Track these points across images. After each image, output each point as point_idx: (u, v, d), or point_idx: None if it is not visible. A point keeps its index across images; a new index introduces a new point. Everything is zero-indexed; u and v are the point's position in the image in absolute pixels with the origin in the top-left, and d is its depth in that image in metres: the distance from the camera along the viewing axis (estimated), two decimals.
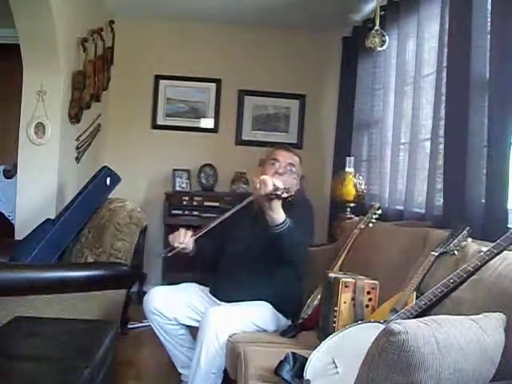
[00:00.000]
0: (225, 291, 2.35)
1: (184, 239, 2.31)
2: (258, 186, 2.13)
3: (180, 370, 2.47)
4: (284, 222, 2.13)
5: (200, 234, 2.32)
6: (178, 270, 2.33)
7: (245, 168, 4.52)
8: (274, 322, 2.31)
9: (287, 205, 2.18)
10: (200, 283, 2.53)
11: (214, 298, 2.40)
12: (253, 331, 2.22)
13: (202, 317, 2.19)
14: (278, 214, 2.12)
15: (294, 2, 4.01)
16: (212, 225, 2.28)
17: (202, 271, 2.65)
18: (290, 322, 2.40)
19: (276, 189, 2.08)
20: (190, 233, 2.34)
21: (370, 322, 1.77)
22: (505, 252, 1.65)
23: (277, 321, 2.33)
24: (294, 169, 2.46)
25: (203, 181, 4.63)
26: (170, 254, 2.31)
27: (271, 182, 2.11)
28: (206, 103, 4.79)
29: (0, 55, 4.36)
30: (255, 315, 2.25)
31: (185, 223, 4.24)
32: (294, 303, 2.43)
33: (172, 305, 2.36)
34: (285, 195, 2.08)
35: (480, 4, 2.31)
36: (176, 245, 2.30)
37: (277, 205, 2.11)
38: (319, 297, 2.34)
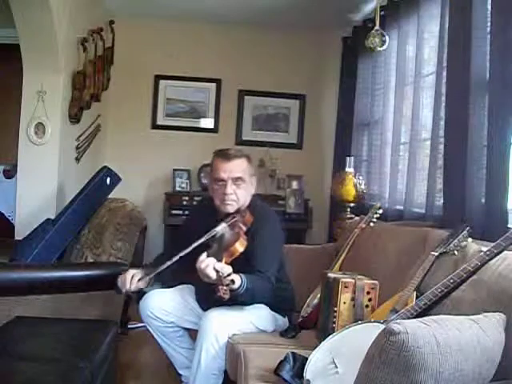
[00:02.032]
0: (209, 304, 2.18)
1: (131, 285, 2.09)
2: (200, 273, 1.86)
3: (180, 371, 2.47)
4: (240, 286, 1.90)
5: (152, 276, 2.08)
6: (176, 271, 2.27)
7: None
8: (272, 322, 2.30)
9: (250, 228, 2.07)
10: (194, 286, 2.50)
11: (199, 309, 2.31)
12: (252, 332, 2.22)
13: (200, 319, 2.17)
14: (233, 284, 1.86)
15: (293, 2, 4.01)
16: (161, 268, 2.06)
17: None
18: (287, 321, 2.39)
19: (220, 278, 1.80)
20: (138, 275, 2.11)
21: (369, 322, 1.77)
22: (505, 252, 1.65)
23: (275, 321, 2.32)
24: (243, 179, 2.22)
25: (203, 181, 4.62)
26: (125, 295, 2.19)
27: (213, 272, 1.82)
28: (206, 103, 4.79)
29: (0, 55, 4.36)
30: (254, 316, 2.24)
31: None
32: (288, 300, 2.40)
33: (169, 308, 2.33)
34: (231, 279, 1.81)
35: (480, 4, 2.31)
36: (123, 290, 2.12)
37: (229, 280, 1.85)
38: (319, 296, 2.34)
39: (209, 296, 2.21)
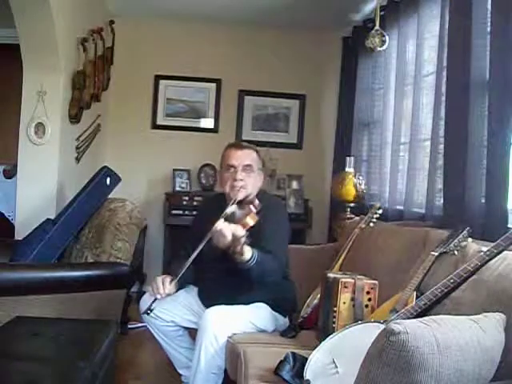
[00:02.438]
0: (213, 299, 2.22)
1: (165, 289, 2.14)
2: (216, 236, 1.98)
3: (180, 371, 2.47)
4: (251, 257, 2.00)
5: (180, 276, 2.15)
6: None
7: None
8: (272, 321, 2.31)
9: (258, 214, 2.08)
10: (196, 285, 2.50)
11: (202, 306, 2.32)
12: (252, 331, 2.22)
13: (200, 318, 2.17)
14: (245, 255, 1.99)
15: (294, 2, 4.01)
16: (188, 263, 2.12)
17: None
18: (288, 321, 2.39)
19: (236, 239, 1.93)
20: (168, 278, 2.17)
21: (369, 322, 1.77)
22: (505, 252, 1.65)
23: (275, 320, 2.32)
24: (252, 168, 2.31)
25: (203, 181, 4.63)
26: (154, 306, 2.16)
27: (229, 233, 1.95)
28: (206, 103, 4.79)
29: (0, 55, 4.35)
30: (253, 315, 2.24)
31: (185, 223, 4.26)
32: (289, 300, 2.41)
33: (169, 307, 2.33)
34: (245, 240, 1.92)
35: (480, 4, 2.32)
36: (158, 297, 2.14)
37: (242, 249, 1.97)
38: (319, 296, 2.34)
39: (212, 293, 2.28)
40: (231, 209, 2.14)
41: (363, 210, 3.37)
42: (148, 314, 2.19)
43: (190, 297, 2.41)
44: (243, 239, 1.95)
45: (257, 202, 2.11)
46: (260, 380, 1.75)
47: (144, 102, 4.73)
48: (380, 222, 2.73)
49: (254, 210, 2.06)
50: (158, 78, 4.73)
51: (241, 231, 1.96)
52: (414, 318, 1.63)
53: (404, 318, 1.65)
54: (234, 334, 2.12)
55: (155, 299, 2.16)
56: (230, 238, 1.95)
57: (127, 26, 4.58)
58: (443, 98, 2.63)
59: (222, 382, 2.17)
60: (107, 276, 2.63)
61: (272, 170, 4.61)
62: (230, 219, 2.06)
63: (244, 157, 2.31)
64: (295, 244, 3.13)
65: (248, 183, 2.28)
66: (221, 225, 1.98)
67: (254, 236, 2.07)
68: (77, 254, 3.00)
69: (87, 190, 3.14)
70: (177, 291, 2.27)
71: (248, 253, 2.00)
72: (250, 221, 2.01)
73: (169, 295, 2.19)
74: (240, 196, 2.24)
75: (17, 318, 2.23)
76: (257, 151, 2.40)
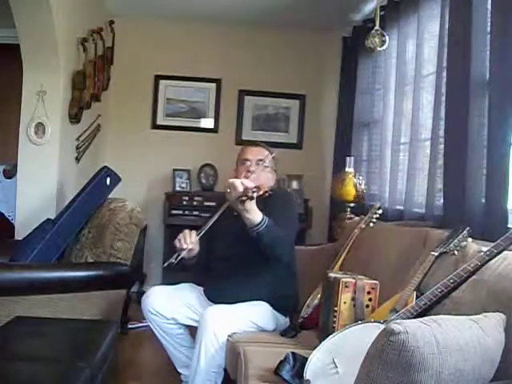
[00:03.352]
0: (218, 294, 2.30)
1: (191, 240, 2.22)
2: (228, 190, 2.10)
3: (180, 370, 2.48)
4: (262, 221, 2.08)
5: (205, 231, 2.24)
6: (177, 269, 2.28)
7: None
8: (272, 320, 2.31)
9: (267, 200, 2.15)
10: (198, 284, 2.52)
11: (208, 301, 2.36)
12: (252, 330, 2.22)
13: (201, 316, 2.19)
14: (255, 215, 2.07)
15: (294, 2, 4.01)
16: (211, 222, 2.23)
17: (196, 273, 2.58)
18: (288, 320, 2.40)
19: (246, 189, 2.02)
20: (194, 232, 2.26)
21: (370, 322, 1.77)
22: (505, 252, 1.65)
23: (275, 320, 2.33)
24: (265, 163, 2.42)
25: (203, 181, 4.63)
26: (179, 259, 2.19)
27: (239, 183, 2.07)
28: (205, 103, 4.79)
29: (0, 55, 4.35)
30: (254, 314, 2.25)
31: (185, 223, 4.26)
32: (291, 300, 2.42)
33: (170, 305, 2.35)
34: (256, 194, 2.02)
35: (480, 4, 2.32)
36: (185, 246, 2.19)
37: (251, 206, 2.05)
38: (319, 296, 2.34)
39: (218, 288, 2.33)
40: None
41: (363, 210, 3.37)
42: (169, 264, 2.20)
43: (192, 295, 2.43)
44: (254, 189, 2.02)
45: (266, 188, 2.17)
46: (260, 380, 1.75)
47: (144, 102, 4.73)
48: (380, 222, 2.73)
49: (265, 187, 2.15)
50: (157, 77, 4.73)
51: (251, 183, 2.08)
52: (414, 317, 1.63)
53: (404, 318, 1.65)
54: (234, 333, 2.13)
55: (181, 250, 2.20)
56: (240, 187, 2.05)
57: (127, 25, 4.58)
58: (443, 98, 2.63)
59: (222, 381, 2.17)
60: (107, 276, 2.63)
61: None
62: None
63: (258, 152, 2.47)
64: (295, 244, 3.13)
65: (261, 177, 2.35)
66: (233, 178, 2.15)
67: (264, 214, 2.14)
68: (77, 254, 2.99)
69: (87, 190, 3.14)
70: (196, 253, 2.31)
71: (259, 214, 2.08)
72: (263, 188, 2.10)
73: (191, 251, 2.25)
74: (248, 183, 2.24)
75: (17, 318, 2.23)
76: (271, 152, 2.51)
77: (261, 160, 2.43)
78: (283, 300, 2.36)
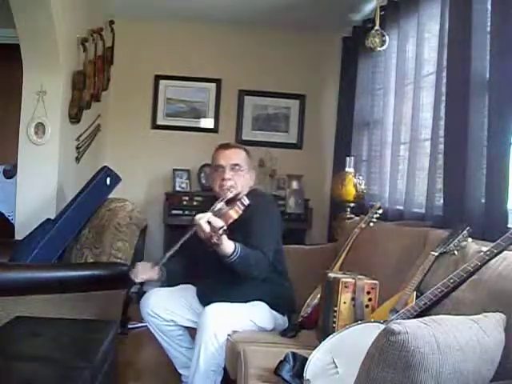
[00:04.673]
0: (211, 297, 2.25)
1: (143, 274, 2.22)
2: (196, 228, 2.02)
3: (180, 371, 2.47)
4: (234, 252, 2.04)
5: (165, 259, 2.19)
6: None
7: None
8: (271, 320, 2.31)
9: (246, 209, 2.12)
10: (194, 285, 2.51)
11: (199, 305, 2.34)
12: (251, 330, 2.22)
13: (199, 316, 2.18)
14: (226, 247, 2.02)
15: (294, 3, 4.01)
16: (172, 250, 2.16)
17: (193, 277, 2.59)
18: (287, 320, 2.39)
19: (213, 230, 1.96)
20: (148, 264, 2.24)
21: (370, 322, 1.77)
22: (505, 252, 1.65)
23: (274, 319, 2.32)
24: (241, 167, 2.33)
25: (203, 181, 4.62)
26: (137, 289, 2.24)
27: (206, 225, 1.98)
28: (205, 103, 4.79)
29: (0, 55, 4.35)
30: (252, 313, 2.25)
31: (185, 223, 4.26)
32: (287, 299, 2.41)
33: (169, 306, 2.35)
34: (225, 233, 1.97)
35: (480, 4, 2.32)
36: (137, 281, 2.22)
37: (221, 241, 2.00)
38: (319, 296, 2.34)
39: (210, 291, 2.30)
40: (219, 206, 2.18)
41: (363, 210, 3.37)
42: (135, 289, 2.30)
43: (190, 296, 2.42)
44: (221, 230, 1.96)
45: (245, 199, 2.13)
46: (260, 380, 1.75)
47: (144, 101, 4.73)
48: (380, 222, 2.73)
49: (240, 206, 2.10)
50: (158, 77, 4.73)
51: (219, 222, 1.98)
52: (414, 317, 1.63)
53: (404, 318, 1.65)
54: (234, 332, 2.13)
55: (140, 283, 2.25)
56: (207, 229, 1.97)
57: (127, 26, 4.58)
58: (443, 98, 2.63)
59: (222, 380, 2.17)
60: (107, 276, 2.62)
61: (272, 170, 4.61)
62: (217, 215, 2.08)
63: (231, 156, 2.34)
64: (295, 244, 3.14)
65: (237, 182, 2.31)
66: (200, 216, 2.02)
67: (243, 232, 2.12)
68: (77, 253, 2.99)
69: (87, 190, 3.14)
70: (163, 281, 2.32)
71: (230, 246, 2.03)
72: (233, 214, 2.07)
73: (151, 281, 2.26)
74: (229, 195, 2.25)
75: (17, 317, 2.23)
76: (246, 150, 2.42)
77: (236, 165, 2.32)
78: (278, 299, 2.34)
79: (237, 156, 2.36)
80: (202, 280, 2.41)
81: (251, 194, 2.31)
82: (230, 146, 2.42)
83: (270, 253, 2.20)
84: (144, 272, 2.22)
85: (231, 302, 2.20)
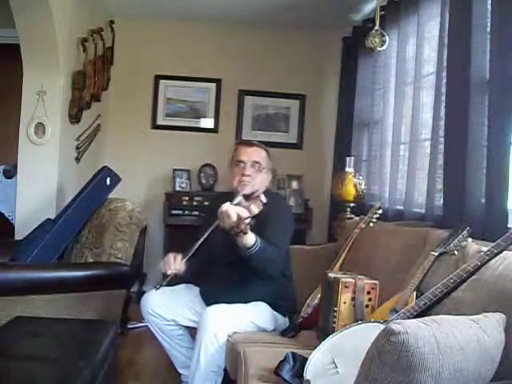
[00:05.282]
0: (214, 297, 2.26)
1: (175, 265, 2.20)
2: (221, 217, 2.04)
3: (180, 370, 2.48)
4: (254, 244, 2.06)
5: (190, 255, 2.21)
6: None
7: None
8: (271, 320, 2.31)
9: (263, 210, 2.13)
10: (197, 285, 2.51)
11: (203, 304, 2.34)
12: (252, 330, 2.22)
13: (200, 317, 2.18)
14: (247, 239, 2.05)
15: (294, 3, 4.01)
16: (199, 242, 2.19)
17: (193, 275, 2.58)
18: (288, 320, 2.39)
19: (240, 220, 1.99)
20: (179, 256, 2.23)
21: (370, 322, 1.77)
22: (505, 252, 1.65)
23: (275, 319, 2.33)
24: (260, 166, 2.37)
25: (203, 181, 4.62)
26: (165, 283, 2.21)
27: (234, 214, 2.01)
28: (205, 103, 4.79)
29: (0, 55, 4.35)
30: (253, 314, 2.25)
31: (185, 223, 4.27)
32: (289, 300, 2.42)
33: (169, 306, 2.35)
34: (251, 223, 2.01)
35: (480, 4, 2.31)
36: (169, 272, 2.19)
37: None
38: (319, 296, 2.34)
39: (214, 291, 2.31)
40: (238, 200, 2.20)
41: (363, 210, 3.37)
42: (157, 289, 2.23)
43: (191, 296, 2.43)
44: (247, 220, 2.01)
45: (263, 197, 2.16)
46: (260, 380, 1.75)
47: (144, 101, 4.73)
48: (380, 222, 2.73)
49: (260, 203, 2.13)
50: (158, 77, 4.73)
51: (245, 213, 2.03)
52: (414, 317, 1.63)
53: (404, 318, 1.65)
54: (234, 333, 2.13)
55: (166, 276, 2.20)
56: (234, 217, 2.00)
57: (127, 26, 4.57)
58: (443, 98, 2.63)
59: (222, 381, 2.17)
60: (107, 276, 2.63)
61: (272, 170, 4.60)
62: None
63: (253, 154, 2.38)
64: (295, 244, 3.13)
65: (256, 180, 2.33)
66: (226, 205, 2.05)
67: (259, 229, 2.12)
68: (77, 253, 3.00)
69: (87, 189, 3.14)
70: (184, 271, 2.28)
71: (252, 238, 2.05)
72: (254, 209, 2.09)
73: (177, 273, 2.22)
74: (247, 190, 2.28)
75: (17, 317, 2.23)
76: (267, 151, 2.45)
77: (256, 162, 2.36)
78: (280, 300, 2.35)
79: (258, 154, 2.39)
80: (206, 280, 2.42)
81: (267, 194, 2.33)
82: (253, 144, 2.45)
83: (283, 252, 2.25)
84: (175, 264, 2.21)
85: (235, 302, 2.21)
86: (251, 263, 2.11)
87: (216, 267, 2.35)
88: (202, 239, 2.18)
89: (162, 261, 2.25)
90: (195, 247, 2.19)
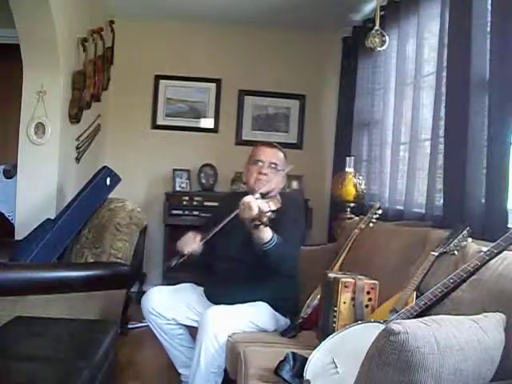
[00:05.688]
0: (219, 295, 2.29)
1: (193, 245, 2.26)
2: (243, 208, 2.09)
3: (180, 370, 2.48)
4: (271, 239, 2.10)
5: (209, 237, 2.26)
6: (178, 269, 2.29)
7: None
8: (272, 321, 2.31)
9: (279, 209, 2.19)
10: (198, 284, 2.52)
11: (209, 302, 2.36)
12: (252, 331, 2.22)
13: (200, 317, 2.19)
14: (265, 233, 2.09)
15: (294, 2, 4.01)
16: (217, 228, 2.23)
17: (197, 273, 2.60)
18: (288, 321, 2.39)
19: (261, 212, 2.04)
20: (198, 236, 2.29)
21: (369, 322, 1.77)
22: (505, 252, 1.65)
23: (276, 320, 2.33)
24: (278, 167, 2.41)
25: (203, 181, 4.63)
26: (181, 261, 2.24)
27: (256, 206, 2.06)
28: (205, 103, 4.79)
29: (0, 55, 4.35)
30: (254, 315, 2.25)
31: (185, 223, 4.26)
32: (291, 301, 2.42)
33: (170, 305, 2.36)
34: (270, 217, 2.05)
35: (480, 4, 2.31)
36: (188, 250, 2.24)
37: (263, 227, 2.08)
38: (319, 296, 2.34)
39: (219, 290, 2.33)
40: (257, 195, 2.24)
41: (363, 210, 3.36)
42: (172, 266, 2.25)
43: (192, 295, 2.43)
44: (269, 213, 2.07)
45: (279, 197, 2.22)
46: (260, 380, 1.75)
47: (144, 101, 4.73)
48: (380, 222, 2.73)
49: (276, 201, 2.20)
50: (158, 77, 4.73)
51: (266, 207, 2.10)
52: (414, 317, 1.63)
53: (404, 318, 1.65)
54: (234, 334, 2.13)
55: (182, 256, 2.24)
56: (256, 209, 2.05)
57: (127, 26, 4.57)
58: (443, 98, 2.63)
59: (222, 381, 2.17)
60: (107, 276, 2.63)
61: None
62: None
63: (272, 155, 2.43)
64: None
65: (272, 180, 2.36)
66: (249, 197, 2.12)
67: (273, 227, 2.15)
68: (77, 253, 3.00)
69: (87, 189, 3.14)
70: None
71: (269, 232, 2.10)
72: (272, 205, 2.16)
73: (193, 253, 2.26)
74: (263, 189, 2.31)
75: (17, 317, 2.23)
76: (284, 154, 2.49)
77: (274, 163, 2.41)
78: (284, 301, 2.36)
79: (277, 156, 2.44)
80: (212, 278, 2.43)
81: (282, 195, 2.41)
82: (272, 146, 2.49)
83: (297, 252, 2.31)
84: (191, 243, 2.26)
85: (238, 301, 2.23)
86: (266, 259, 2.14)
87: (222, 266, 2.36)
88: (221, 225, 2.22)
89: (182, 239, 2.30)
90: (214, 231, 2.24)
